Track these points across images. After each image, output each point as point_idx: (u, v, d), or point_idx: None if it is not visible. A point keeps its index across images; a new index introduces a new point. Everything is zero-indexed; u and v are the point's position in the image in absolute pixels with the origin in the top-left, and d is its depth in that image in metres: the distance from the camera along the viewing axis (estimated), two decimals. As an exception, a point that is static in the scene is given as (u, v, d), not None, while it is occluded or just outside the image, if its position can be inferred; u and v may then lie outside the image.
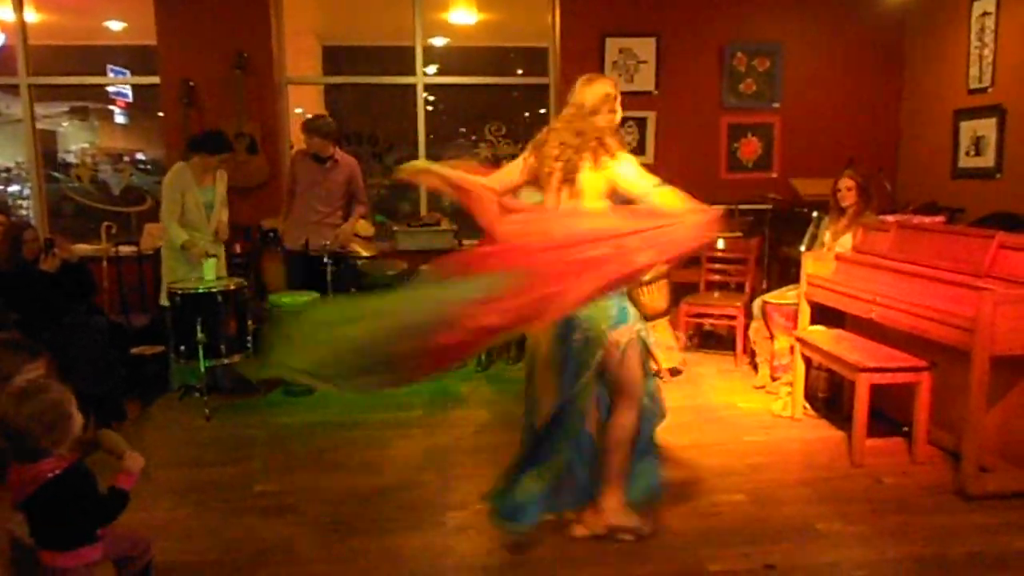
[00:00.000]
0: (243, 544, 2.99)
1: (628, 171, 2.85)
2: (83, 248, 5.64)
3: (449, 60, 7.31)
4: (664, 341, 5.06)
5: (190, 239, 4.75)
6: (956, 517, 3.13)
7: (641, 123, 6.34)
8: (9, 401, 2.16)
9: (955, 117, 5.79)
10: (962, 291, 3.39)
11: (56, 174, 7.10)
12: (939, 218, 4.88)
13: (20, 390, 2.21)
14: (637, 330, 2.91)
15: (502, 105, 7.25)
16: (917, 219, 4.42)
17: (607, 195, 2.88)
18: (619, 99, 2.97)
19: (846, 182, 4.61)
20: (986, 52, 5.46)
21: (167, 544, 2.91)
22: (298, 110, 7.41)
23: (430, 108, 6.95)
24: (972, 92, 5.62)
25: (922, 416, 3.64)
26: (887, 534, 3.00)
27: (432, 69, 6.91)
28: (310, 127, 5.08)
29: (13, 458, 2.17)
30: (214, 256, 4.70)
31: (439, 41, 7.22)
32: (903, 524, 3.08)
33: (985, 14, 5.46)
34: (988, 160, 5.48)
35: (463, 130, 7.60)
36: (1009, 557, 2.83)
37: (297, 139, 6.72)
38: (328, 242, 5.06)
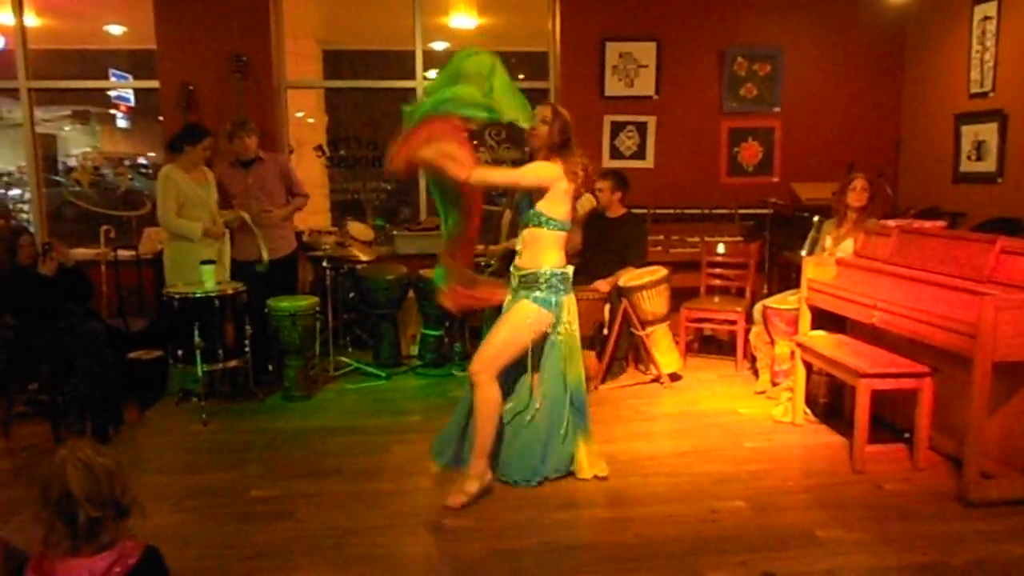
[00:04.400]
0: (239, 550, 2.97)
1: None
2: (82, 252, 5.62)
3: (449, 64, 7.30)
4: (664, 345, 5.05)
5: (207, 224, 4.83)
6: (958, 524, 3.11)
7: (641, 127, 6.33)
8: (65, 467, 1.74)
9: (956, 121, 5.77)
10: (964, 296, 3.37)
11: (57, 178, 7.10)
12: (940, 223, 4.85)
13: (83, 455, 1.78)
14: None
15: (502, 109, 7.22)
16: (918, 224, 4.40)
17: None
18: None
19: (861, 182, 4.59)
20: (987, 56, 5.44)
21: (163, 550, 2.88)
22: (299, 114, 7.41)
23: (430, 112, 6.93)
24: (973, 96, 5.60)
25: (923, 422, 3.62)
26: (888, 541, 2.98)
27: (432, 73, 6.90)
28: (230, 133, 5.08)
29: (69, 539, 1.78)
30: (212, 262, 4.68)
31: (439, 45, 7.22)
32: (904, 531, 3.06)
33: (986, 18, 5.44)
34: (990, 165, 5.46)
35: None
36: (1011, 565, 2.81)
37: (296, 142, 6.72)
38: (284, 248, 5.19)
